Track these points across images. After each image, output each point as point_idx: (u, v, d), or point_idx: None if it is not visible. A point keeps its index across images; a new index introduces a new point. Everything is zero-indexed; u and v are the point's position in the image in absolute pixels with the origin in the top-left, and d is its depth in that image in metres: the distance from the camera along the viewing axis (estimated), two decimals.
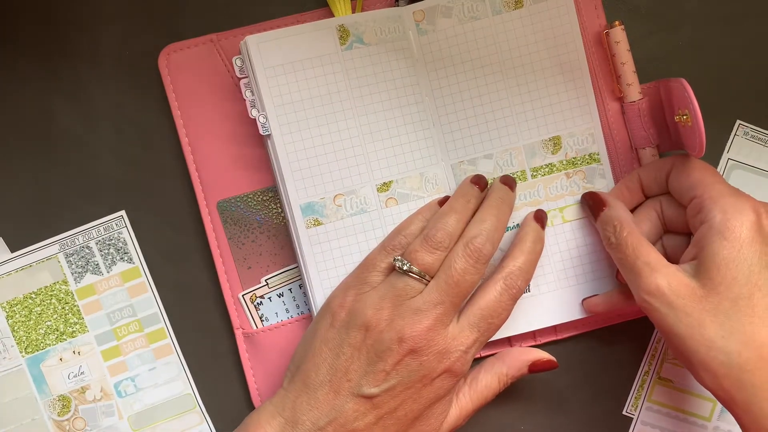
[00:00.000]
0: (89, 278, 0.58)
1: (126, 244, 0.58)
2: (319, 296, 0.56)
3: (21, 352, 0.58)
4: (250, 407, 0.59)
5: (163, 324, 0.59)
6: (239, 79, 0.56)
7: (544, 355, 0.55)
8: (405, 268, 0.50)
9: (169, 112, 0.58)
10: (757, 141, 0.59)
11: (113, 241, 0.58)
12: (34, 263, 0.58)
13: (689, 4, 0.59)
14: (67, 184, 0.58)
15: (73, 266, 0.58)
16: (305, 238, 0.55)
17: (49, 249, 0.58)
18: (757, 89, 0.59)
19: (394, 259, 0.51)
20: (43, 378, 0.58)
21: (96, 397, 0.58)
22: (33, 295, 0.58)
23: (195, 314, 0.59)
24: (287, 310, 0.59)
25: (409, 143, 0.56)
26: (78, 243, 0.58)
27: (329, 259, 0.56)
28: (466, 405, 0.53)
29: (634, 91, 0.57)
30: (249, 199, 0.58)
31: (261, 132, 0.55)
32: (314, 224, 0.55)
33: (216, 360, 0.59)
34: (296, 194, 0.55)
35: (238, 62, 0.55)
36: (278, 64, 0.55)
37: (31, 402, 0.58)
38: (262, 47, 0.54)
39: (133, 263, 0.59)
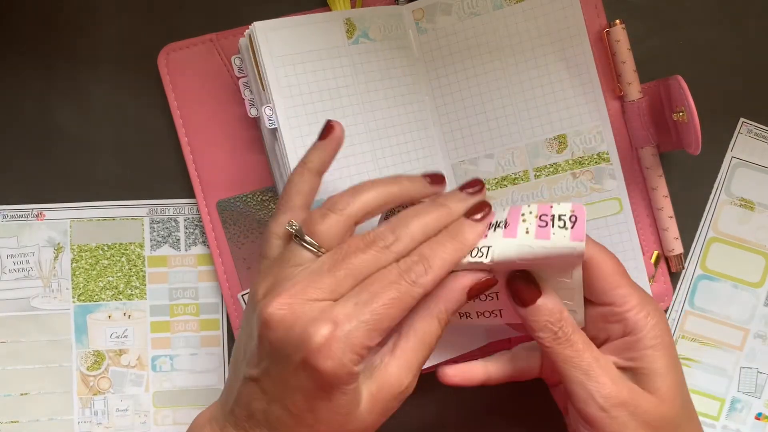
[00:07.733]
0: (165, 250, 0.58)
1: None
2: None
3: (73, 298, 0.57)
4: None
5: (220, 316, 0.58)
6: (238, 78, 0.56)
7: (479, 275, 0.45)
8: (299, 236, 0.44)
9: (169, 112, 0.58)
10: (761, 138, 0.59)
11: (200, 224, 0.58)
12: (118, 218, 0.57)
13: (689, 3, 0.59)
14: (66, 183, 0.58)
15: (155, 233, 0.58)
16: None
17: (139, 210, 0.58)
18: (760, 87, 0.59)
19: (290, 225, 0.44)
20: (85, 328, 0.57)
21: (130, 364, 0.58)
22: (105, 247, 0.57)
23: None
24: None
25: (413, 141, 0.56)
26: (168, 214, 0.58)
27: None
28: (408, 360, 0.43)
29: (634, 90, 0.56)
30: (249, 199, 0.58)
31: (267, 125, 0.52)
32: None
33: None
34: None
35: (237, 61, 0.55)
36: (286, 53, 0.52)
37: (66, 348, 0.57)
38: (270, 35, 0.52)
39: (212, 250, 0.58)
